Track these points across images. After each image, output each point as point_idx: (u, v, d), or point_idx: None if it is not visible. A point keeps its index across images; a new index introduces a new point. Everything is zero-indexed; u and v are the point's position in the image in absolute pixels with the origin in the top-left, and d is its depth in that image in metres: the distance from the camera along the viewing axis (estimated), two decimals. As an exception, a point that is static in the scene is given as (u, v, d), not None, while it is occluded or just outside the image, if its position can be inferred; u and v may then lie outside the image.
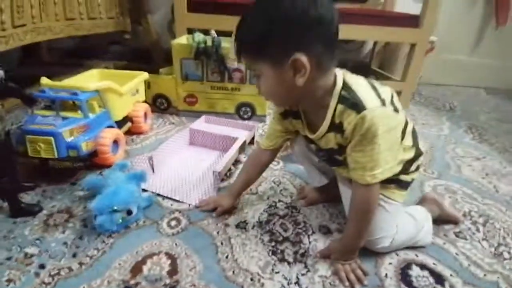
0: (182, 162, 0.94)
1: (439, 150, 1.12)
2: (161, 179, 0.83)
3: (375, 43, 1.97)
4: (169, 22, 2.01)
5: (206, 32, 1.21)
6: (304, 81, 0.49)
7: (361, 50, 2.12)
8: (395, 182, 0.61)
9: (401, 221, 0.62)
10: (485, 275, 0.60)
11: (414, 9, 1.49)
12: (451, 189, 0.88)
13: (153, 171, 0.85)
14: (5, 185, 0.65)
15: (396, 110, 0.53)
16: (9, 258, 0.57)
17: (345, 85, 0.52)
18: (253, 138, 1.08)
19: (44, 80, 0.85)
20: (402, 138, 0.57)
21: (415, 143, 0.62)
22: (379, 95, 0.52)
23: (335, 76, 0.53)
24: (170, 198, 0.76)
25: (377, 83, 0.55)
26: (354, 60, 2.09)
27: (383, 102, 0.51)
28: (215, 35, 1.15)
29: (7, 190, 0.65)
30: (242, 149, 0.95)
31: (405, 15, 1.48)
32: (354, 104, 0.50)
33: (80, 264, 0.57)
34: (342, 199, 0.66)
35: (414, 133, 0.63)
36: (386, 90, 0.55)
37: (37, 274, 0.54)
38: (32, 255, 0.58)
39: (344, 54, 2.06)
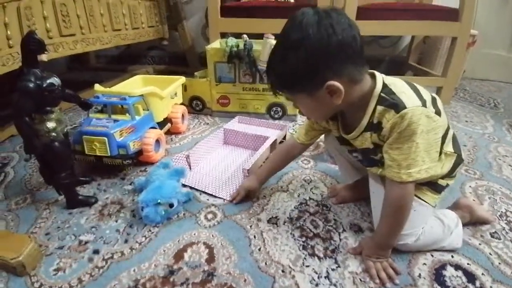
0: (216, 160, 1.00)
1: (482, 150, 1.07)
2: (197, 175, 0.90)
3: (412, 38, 1.90)
4: (203, 27, 2.10)
5: (238, 35, 1.27)
6: (341, 99, 0.51)
7: (397, 46, 2.05)
8: (428, 184, 0.61)
9: (428, 223, 0.61)
10: (512, 273, 0.59)
11: (452, 2, 1.42)
12: (491, 190, 0.84)
13: (190, 168, 0.92)
14: (63, 179, 0.73)
15: (438, 113, 0.53)
16: (60, 247, 0.64)
17: (385, 87, 0.54)
18: (284, 137, 1.11)
19: (97, 87, 0.95)
20: (443, 143, 0.57)
21: (457, 150, 0.62)
22: (420, 96, 0.52)
23: (374, 79, 0.55)
24: (206, 193, 0.82)
25: (418, 85, 0.56)
26: (390, 56, 2.03)
27: (424, 103, 0.51)
28: (247, 38, 1.20)
29: (66, 184, 0.74)
30: (273, 147, 0.99)
31: (443, 8, 1.41)
32: (393, 104, 0.51)
33: (131, 249, 0.64)
34: (370, 196, 0.67)
35: (455, 139, 0.62)
36: (427, 92, 0.55)
37: (90, 260, 0.61)
38: (87, 242, 0.66)
39: (380, 50, 2.01)
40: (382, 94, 0.53)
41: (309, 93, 0.52)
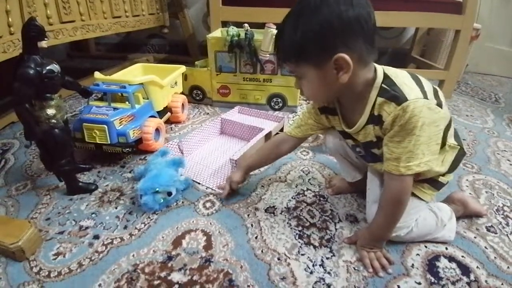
0: (210, 149, 1.00)
1: (481, 144, 1.07)
2: (188, 163, 0.90)
3: (416, 30, 1.88)
4: (204, 16, 2.07)
5: (239, 24, 1.25)
6: (348, 77, 0.49)
7: (401, 37, 2.03)
8: (429, 181, 0.60)
9: (422, 216, 0.62)
10: (508, 267, 0.59)
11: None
12: (488, 184, 0.84)
13: (183, 154, 0.93)
14: (63, 166, 0.73)
15: (439, 104, 0.52)
16: (61, 233, 0.66)
17: (386, 78, 0.52)
18: (281, 129, 1.10)
19: (97, 75, 0.95)
20: (445, 135, 0.56)
21: (459, 142, 0.61)
22: (421, 87, 0.51)
23: (375, 69, 0.53)
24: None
25: (420, 76, 0.55)
26: (394, 48, 2.02)
27: (425, 95, 0.50)
28: (248, 27, 1.19)
29: (66, 170, 0.74)
30: (268, 139, 0.98)
31: (447, 0, 1.39)
32: (394, 96, 0.50)
33: (130, 235, 0.65)
34: (366, 192, 0.67)
35: (455, 131, 0.62)
36: (429, 84, 0.54)
37: (90, 244, 0.63)
38: (87, 227, 0.67)
39: (383, 42, 1.99)
40: (383, 85, 0.52)
41: (316, 65, 0.50)
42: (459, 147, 0.61)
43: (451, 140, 0.59)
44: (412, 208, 0.60)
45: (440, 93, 0.56)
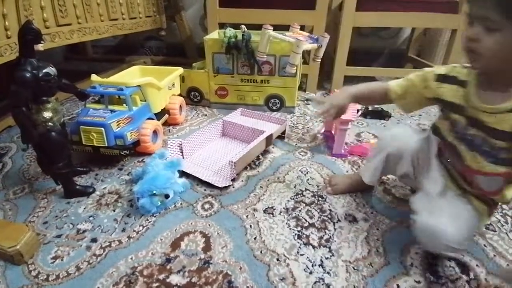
0: (211, 151, 1.00)
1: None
2: (188, 164, 0.90)
3: (413, 30, 1.89)
4: (201, 18, 2.08)
5: (236, 26, 1.26)
6: None
7: (397, 38, 2.04)
8: (490, 203, 0.56)
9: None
10: (508, 265, 0.60)
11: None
12: (486, 182, 0.85)
13: (183, 156, 0.93)
14: (61, 169, 0.73)
15: None
16: (58, 236, 0.65)
17: None
18: (283, 132, 1.09)
19: (94, 77, 0.95)
20: None
21: None
22: None
23: None
24: (204, 183, 0.82)
25: None
26: (390, 48, 2.02)
27: None
28: (245, 29, 1.19)
29: (63, 173, 0.74)
30: (269, 142, 0.98)
31: (444, 0, 1.40)
32: None
33: (128, 237, 0.65)
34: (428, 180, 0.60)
35: None
36: None
37: (88, 248, 0.62)
38: (85, 231, 0.67)
39: (380, 42, 2.00)
40: None
41: None
42: None
43: None
44: (469, 228, 0.55)
45: None
